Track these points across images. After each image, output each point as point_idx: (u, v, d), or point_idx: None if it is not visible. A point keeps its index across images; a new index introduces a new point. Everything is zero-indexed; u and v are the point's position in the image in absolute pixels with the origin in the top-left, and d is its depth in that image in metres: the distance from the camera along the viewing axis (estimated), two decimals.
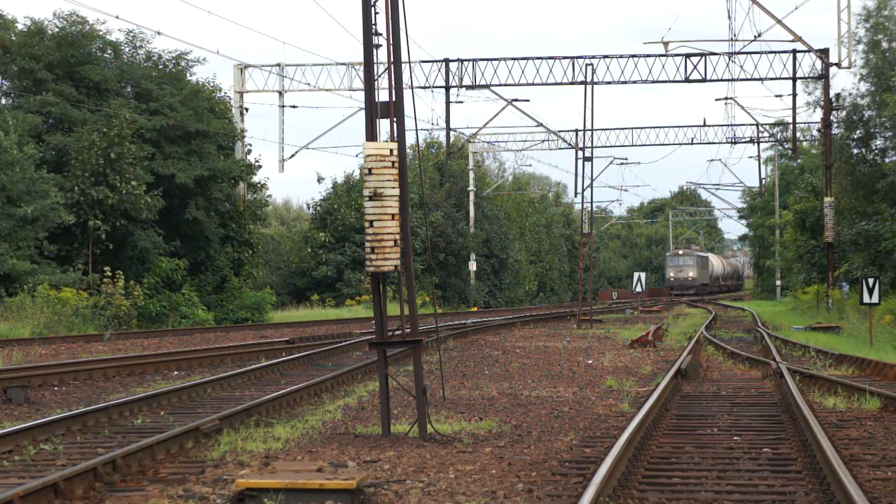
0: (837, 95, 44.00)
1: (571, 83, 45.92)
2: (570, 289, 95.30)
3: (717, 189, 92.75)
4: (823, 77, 44.69)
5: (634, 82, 45.61)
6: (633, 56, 45.66)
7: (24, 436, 11.99)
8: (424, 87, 46.69)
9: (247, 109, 49.67)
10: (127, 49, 44.74)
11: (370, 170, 12.08)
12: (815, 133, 58.64)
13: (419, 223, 57.61)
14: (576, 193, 51.89)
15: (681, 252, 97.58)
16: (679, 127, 63.47)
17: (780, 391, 16.67)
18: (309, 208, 69.23)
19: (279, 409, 14.87)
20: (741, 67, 45.55)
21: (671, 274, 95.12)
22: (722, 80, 45.93)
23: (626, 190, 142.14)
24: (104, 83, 41.62)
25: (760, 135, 62.99)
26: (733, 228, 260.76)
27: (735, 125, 62.69)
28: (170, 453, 11.27)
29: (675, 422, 13.87)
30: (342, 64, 48.00)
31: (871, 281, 26.08)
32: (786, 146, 61.94)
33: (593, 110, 70.32)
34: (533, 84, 46.18)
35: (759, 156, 73.70)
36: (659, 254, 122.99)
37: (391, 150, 12.12)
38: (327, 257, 58.52)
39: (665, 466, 10.76)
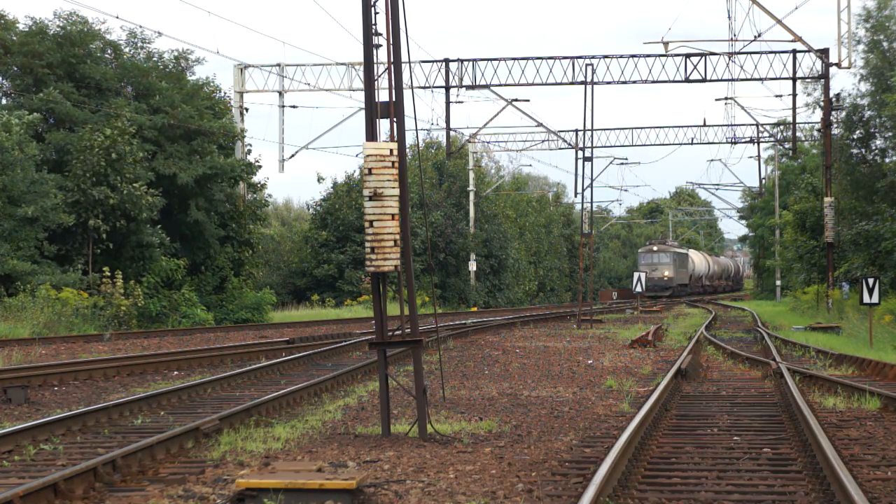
0: (837, 96, 44.00)
1: (571, 83, 45.91)
2: (570, 289, 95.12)
3: (717, 189, 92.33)
4: (823, 77, 44.69)
5: (634, 82, 45.61)
6: (633, 56, 45.66)
7: (24, 436, 11.99)
8: (424, 87, 46.69)
9: (247, 109, 49.69)
10: (127, 49, 44.77)
11: (370, 170, 12.08)
12: (815, 133, 58.64)
13: (419, 223, 57.62)
14: (576, 193, 51.92)
15: (655, 248, 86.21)
16: (679, 127, 63.49)
17: (780, 391, 16.67)
18: (309, 208, 69.32)
19: (279, 409, 14.87)
20: (741, 67, 45.56)
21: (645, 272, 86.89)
22: (722, 80, 45.92)
23: (626, 190, 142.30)
24: (105, 82, 41.62)
25: (760, 135, 63.00)
26: (734, 229, 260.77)
27: (735, 125, 62.72)
28: (170, 453, 11.27)
29: (675, 422, 13.87)
30: (342, 64, 48.01)
31: (871, 281, 26.08)
32: (786, 146, 61.94)
33: (593, 110, 70.33)
34: (533, 84, 46.17)
35: (759, 156, 73.72)
36: None
37: (391, 150, 12.12)
38: (328, 256, 58.63)
39: (665, 466, 10.76)
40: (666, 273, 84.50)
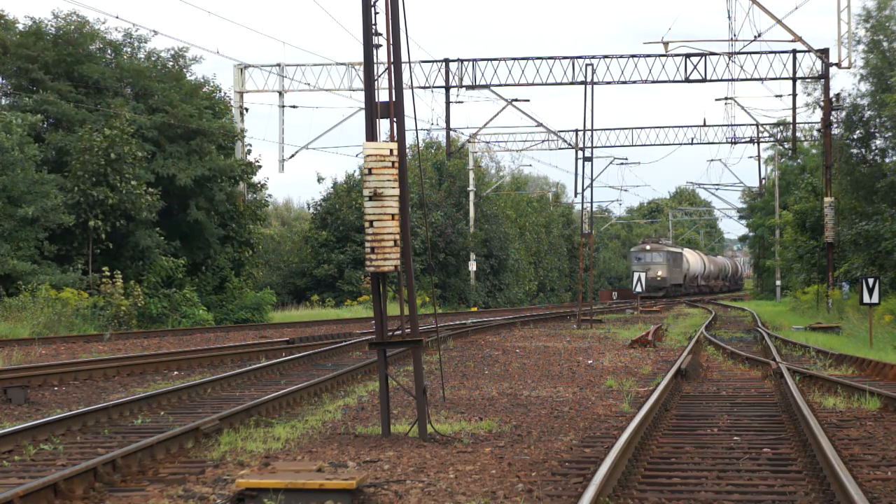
0: (837, 96, 44.00)
1: (571, 83, 45.90)
2: (570, 289, 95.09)
3: (717, 189, 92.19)
4: (823, 77, 44.69)
5: (634, 82, 45.61)
6: (632, 56, 45.65)
7: (24, 436, 11.99)
8: (424, 87, 46.68)
9: (247, 109, 49.68)
10: (126, 49, 44.76)
11: (370, 170, 12.08)
12: (815, 133, 58.65)
13: (419, 223, 57.63)
14: (576, 193, 51.91)
15: (648, 247, 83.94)
16: (679, 127, 63.49)
17: (780, 391, 16.67)
18: (309, 208, 69.37)
19: (279, 409, 14.87)
20: (741, 67, 45.55)
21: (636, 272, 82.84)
22: (722, 80, 45.92)
23: (626, 190, 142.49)
24: (103, 81, 41.62)
25: (760, 135, 63.00)
26: (734, 228, 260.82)
27: (735, 125, 62.73)
28: (170, 453, 11.27)
29: (675, 422, 13.87)
30: (342, 64, 48.00)
31: (871, 281, 26.07)
32: (786, 146, 61.94)
33: (593, 110, 70.26)
34: (533, 84, 46.16)
35: (759, 156, 73.73)
36: None
37: (391, 150, 12.11)
38: (328, 256, 58.65)
39: (665, 466, 10.76)
40: (659, 273, 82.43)
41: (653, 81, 45.34)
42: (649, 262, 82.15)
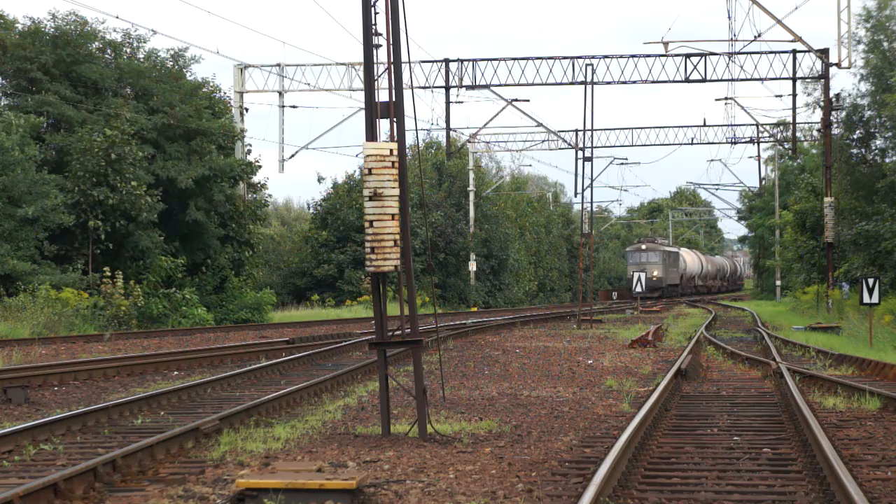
0: (837, 96, 44.00)
1: (571, 83, 45.91)
2: (570, 289, 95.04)
3: (717, 189, 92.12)
4: (823, 77, 44.69)
5: (634, 82, 45.61)
6: (632, 56, 45.66)
7: (24, 436, 11.99)
8: (424, 87, 46.69)
9: (247, 109, 49.68)
10: (126, 49, 44.74)
11: (370, 170, 12.08)
12: (815, 133, 58.66)
13: (419, 223, 57.62)
14: (576, 193, 51.99)
15: (643, 247, 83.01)
16: (679, 127, 63.50)
17: (780, 391, 16.67)
18: (309, 208, 69.41)
19: (279, 409, 14.87)
20: (741, 67, 45.56)
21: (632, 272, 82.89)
22: (722, 80, 45.93)
23: (626, 190, 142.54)
24: (102, 82, 41.61)
25: (760, 135, 63.00)
26: (734, 228, 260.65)
27: (735, 125, 62.74)
28: (170, 453, 11.27)
29: (675, 422, 13.87)
30: (342, 64, 48.00)
31: (871, 281, 26.07)
32: (786, 146, 61.94)
33: (593, 110, 70.30)
34: (533, 84, 46.17)
35: (759, 156, 73.74)
36: None
37: (391, 150, 12.11)
38: (328, 256, 58.67)
39: (665, 466, 10.76)
40: (655, 273, 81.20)
41: (653, 81, 45.34)
42: (645, 262, 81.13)
